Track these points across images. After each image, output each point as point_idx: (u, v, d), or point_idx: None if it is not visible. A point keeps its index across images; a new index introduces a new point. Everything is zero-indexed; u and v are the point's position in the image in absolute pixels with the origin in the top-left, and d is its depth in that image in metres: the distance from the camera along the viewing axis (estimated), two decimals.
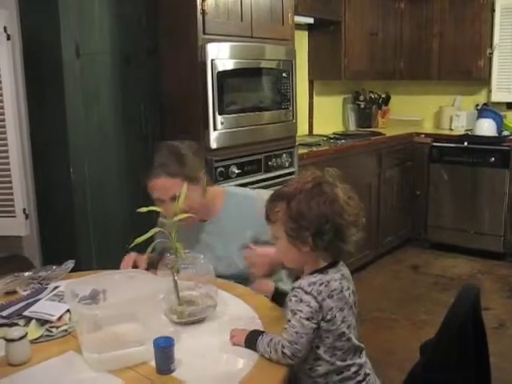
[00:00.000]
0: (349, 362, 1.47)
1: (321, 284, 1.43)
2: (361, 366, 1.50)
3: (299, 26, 4.42)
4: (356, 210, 1.46)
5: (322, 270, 1.46)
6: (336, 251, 1.47)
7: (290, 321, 1.43)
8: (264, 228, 1.57)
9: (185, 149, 2.01)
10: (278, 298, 1.71)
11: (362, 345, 1.52)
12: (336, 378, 1.46)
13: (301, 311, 1.41)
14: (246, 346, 1.48)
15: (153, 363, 1.39)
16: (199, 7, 2.98)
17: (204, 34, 3.04)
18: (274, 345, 1.42)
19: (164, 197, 1.92)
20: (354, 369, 1.48)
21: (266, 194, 1.63)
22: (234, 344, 1.51)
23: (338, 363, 1.46)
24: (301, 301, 1.42)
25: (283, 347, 1.41)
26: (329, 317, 1.42)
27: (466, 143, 4.83)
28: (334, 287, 1.44)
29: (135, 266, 1.94)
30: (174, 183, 1.90)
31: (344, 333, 1.45)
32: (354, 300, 1.50)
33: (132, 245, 1.67)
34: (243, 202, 2.10)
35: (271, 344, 1.43)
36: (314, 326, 1.41)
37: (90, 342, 1.46)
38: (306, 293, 1.42)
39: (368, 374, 1.52)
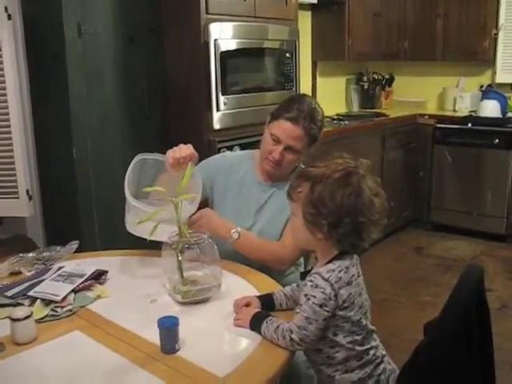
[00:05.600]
0: (367, 346, 1.47)
1: (340, 271, 1.40)
2: (377, 347, 1.50)
3: (303, 6, 4.38)
4: (380, 209, 1.41)
5: (338, 257, 1.43)
6: (349, 246, 1.43)
7: (301, 305, 1.40)
8: None
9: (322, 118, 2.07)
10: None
11: (374, 327, 1.52)
12: (356, 363, 1.46)
13: (314, 297, 1.38)
14: (252, 329, 1.47)
15: (157, 342, 1.40)
16: None
17: (207, 13, 3.02)
18: (281, 332, 1.40)
19: (284, 141, 1.99)
20: (372, 352, 1.48)
21: None
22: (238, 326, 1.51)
23: (358, 348, 1.45)
24: (316, 286, 1.39)
25: (291, 332, 1.39)
26: (346, 304, 1.40)
27: (469, 125, 4.79)
28: (353, 273, 1.43)
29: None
30: (301, 137, 1.98)
31: (361, 318, 1.44)
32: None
33: None
34: None
35: (278, 331, 1.40)
36: (326, 314, 1.38)
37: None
38: (324, 279, 1.39)
39: (384, 355, 1.52)
